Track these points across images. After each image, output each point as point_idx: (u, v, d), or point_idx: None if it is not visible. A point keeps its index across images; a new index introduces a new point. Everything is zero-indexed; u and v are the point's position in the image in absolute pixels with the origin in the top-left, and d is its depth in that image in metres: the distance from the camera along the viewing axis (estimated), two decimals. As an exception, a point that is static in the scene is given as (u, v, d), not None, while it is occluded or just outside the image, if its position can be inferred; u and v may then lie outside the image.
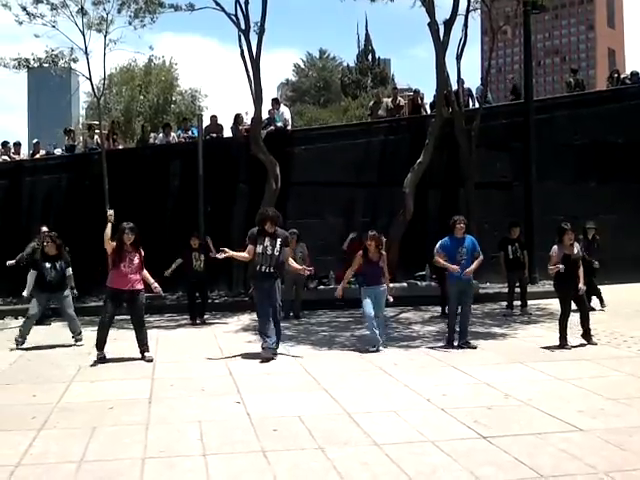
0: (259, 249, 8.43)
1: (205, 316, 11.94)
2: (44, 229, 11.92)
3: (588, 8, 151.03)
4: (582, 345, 8.87)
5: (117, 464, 4.65)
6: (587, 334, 9.03)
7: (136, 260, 8.40)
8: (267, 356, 8.29)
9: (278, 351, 8.90)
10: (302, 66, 57.07)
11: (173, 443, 5.10)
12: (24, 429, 5.51)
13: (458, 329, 9.17)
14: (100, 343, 8.43)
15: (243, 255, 8.55)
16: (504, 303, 13.38)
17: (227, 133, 16.62)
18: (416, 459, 4.71)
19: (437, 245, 9.28)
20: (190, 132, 16.26)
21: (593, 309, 12.14)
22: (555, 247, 8.96)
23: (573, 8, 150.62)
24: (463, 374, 7.42)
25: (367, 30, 55.87)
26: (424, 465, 4.59)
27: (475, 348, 8.90)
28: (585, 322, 9.07)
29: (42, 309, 9.54)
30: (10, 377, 7.65)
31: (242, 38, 13.62)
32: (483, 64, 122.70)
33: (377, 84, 47.28)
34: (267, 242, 8.44)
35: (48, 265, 9.44)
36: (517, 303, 12.75)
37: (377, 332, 8.83)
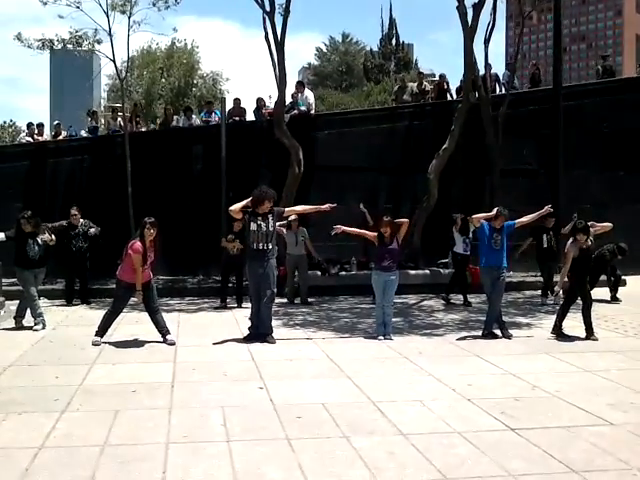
0: (253, 227, 8.39)
1: (227, 300, 11.86)
2: (73, 211, 11.97)
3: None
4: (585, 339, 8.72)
5: (141, 449, 4.60)
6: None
7: (152, 255, 8.36)
8: (247, 338, 8.50)
9: (302, 336, 8.88)
10: (324, 50, 56.66)
11: (196, 428, 5.05)
12: (47, 411, 5.49)
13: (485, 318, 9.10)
14: (104, 330, 8.42)
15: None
16: (528, 292, 13.24)
17: (249, 117, 16.51)
18: (443, 450, 4.62)
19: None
20: (213, 115, 16.15)
21: (618, 300, 12.01)
22: (569, 243, 8.83)
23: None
24: (488, 364, 7.30)
25: (391, 14, 55.47)
26: (452, 457, 4.49)
27: (498, 338, 8.79)
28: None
29: (34, 286, 9.52)
30: (32, 358, 7.65)
31: (267, 20, 13.45)
32: (507, 50, 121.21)
33: (400, 69, 46.86)
34: (260, 219, 8.38)
35: (31, 241, 9.43)
36: (537, 292, 12.63)
37: (379, 321, 8.78)
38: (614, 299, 12.07)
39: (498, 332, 8.94)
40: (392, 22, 54.75)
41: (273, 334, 8.54)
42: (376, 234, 8.90)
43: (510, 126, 14.83)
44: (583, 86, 18.99)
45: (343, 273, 13.54)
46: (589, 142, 15.62)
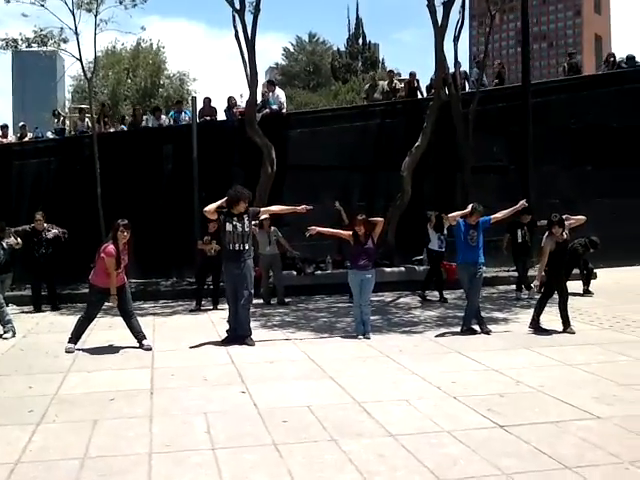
0: (229, 227, 8.25)
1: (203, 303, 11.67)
2: (37, 216, 11.61)
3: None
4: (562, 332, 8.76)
5: (122, 460, 4.42)
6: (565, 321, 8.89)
7: (126, 258, 8.14)
8: (225, 341, 8.34)
9: (281, 337, 8.78)
10: (291, 50, 56.45)
11: (179, 437, 4.89)
12: (22, 423, 5.26)
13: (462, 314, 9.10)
14: (78, 337, 8.17)
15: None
16: (501, 287, 13.31)
17: (220, 116, 16.31)
18: (434, 450, 4.54)
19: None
20: (183, 114, 15.91)
21: (590, 293, 12.13)
22: (545, 238, 8.86)
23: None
24: (470, 360, 7.27)
25: (358, 13, 55.59)
26: (443, 457, 4.42)
27: (477, 333, 8.79)
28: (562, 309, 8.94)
29: (0, 292, 9.21)
30: (3, 367, 7.36)
31: (236, 19, 13.27)
32: (471, 48, 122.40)
33: (367, 68, 46.89)
34: (236, 220, 8.25)
35: None
36: (511, 287, 12.73)
37: (358, 320, 8.72)
38: (587, 292, 12.18)
39: (477, 328, 8.94)
40: (359, 22, 54.84)
41: (252, 336, 8.40)
42: (351, 233, 8.82)
43: (480, 123, 14.91)
44: (550, 83, 19.16)
45: (319, 272, 13.44)
46: (557, 138, 15.78)
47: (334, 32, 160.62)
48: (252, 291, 8.53)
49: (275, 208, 9.46)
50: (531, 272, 12.71)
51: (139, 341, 8.15)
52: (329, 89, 46.63)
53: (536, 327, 8.88)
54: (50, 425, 5.24)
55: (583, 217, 9.28)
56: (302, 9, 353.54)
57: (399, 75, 19.18)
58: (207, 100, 16.24)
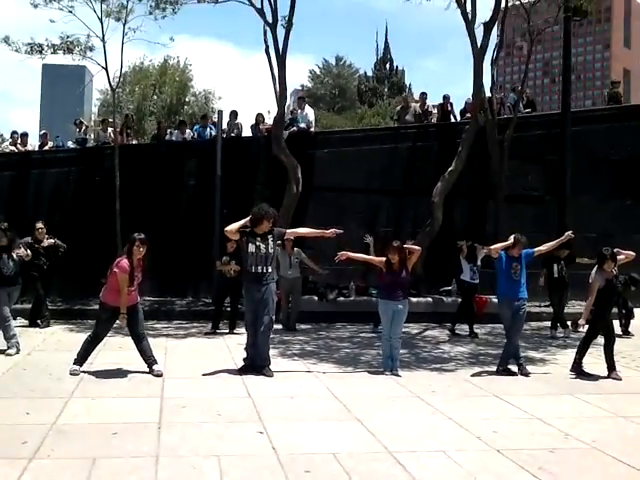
0: (251, 248, 7.69)
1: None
2: (39, 225, 11.16)
3: (605, 27, 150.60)
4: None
5: (121, 512, 3.83)
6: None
7: (140, 275, 7.60)
8: (241, 370, 7.78)
9: (302, 368, 8.17)
10: (318, 72, 56.36)
11: (188, 484, 4.28)
12: (13, 457, 4.66)
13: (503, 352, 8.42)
14: (84, 358, 7.61)
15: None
16: (534, 324, 12.60)
17: (246, 133, 15.88)
18: (483, 520, 3.88)
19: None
20: (208, 129, 15.48)
21: (630, 334, 11.40)
22: (594, 273, 8.16)
23: (590, 26, 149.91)
24: (510, 406, 6.58)
25: (387, 38, 55.53)
26: (494, 529, 3.76)
27: (515, 375, 8.10)
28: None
29: (7, 305, 8.71)
30: (2, 389, 6.80)
31: (267, 33, 12.88)
32: (497, 78, 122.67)
33: (394, 93, 46.59)
34: (260, 240, 7.69)
35: (5, 256, 8.69)
36: (544, 324, 12.03)
37: (387, 354, 8.06)
38: (626, 333, 11.49)
39: (514, 368, 8.24)
40: (387, 46, 54.75)
41: (270, 366, 7.79)
42: (384, 259, 8.21)
43: (516, 150, 14.33)
44: (591, 112, 18.56)
45: (341, 299, 12.84)
46: (596, 169, 15.15)
47: (361, 56, 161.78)
48: (273, 317, 7.93)
49: (302, 230, 8.86)
50: (566, 310, 12.06)
51: (149, 366, 7.56)
52: (354, 112, 46.26)
53: (578, 371, 8.17)
54: (43, 461, 4.64)
55: (632, 253, 8.59)
56: (329, 33, 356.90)
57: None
58: (233, 114, 15.80)
